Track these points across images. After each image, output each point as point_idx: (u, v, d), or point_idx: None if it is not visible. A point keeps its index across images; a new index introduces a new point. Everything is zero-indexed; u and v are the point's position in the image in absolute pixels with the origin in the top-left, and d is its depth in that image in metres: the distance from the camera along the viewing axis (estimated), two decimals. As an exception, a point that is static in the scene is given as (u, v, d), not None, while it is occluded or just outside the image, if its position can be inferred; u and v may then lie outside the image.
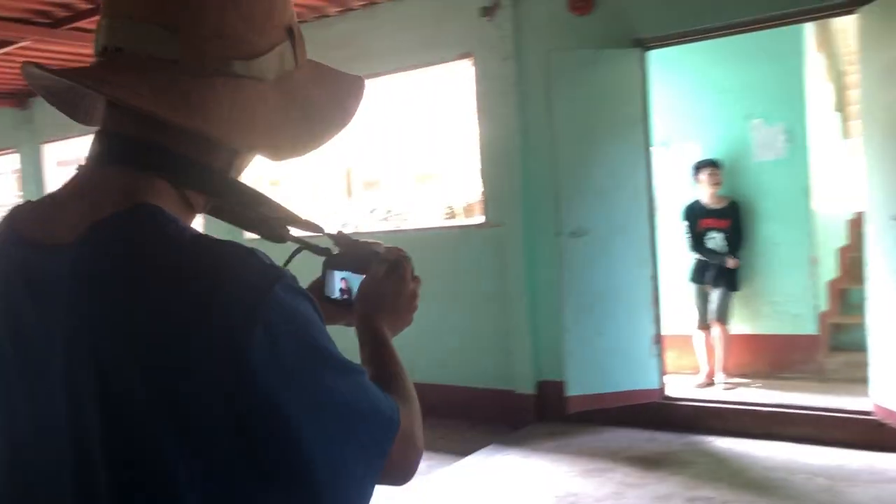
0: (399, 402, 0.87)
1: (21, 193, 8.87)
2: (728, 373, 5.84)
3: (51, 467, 0.77)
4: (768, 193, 5.93)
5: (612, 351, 5.10)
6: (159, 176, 0.80)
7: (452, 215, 7.94)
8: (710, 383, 5.82)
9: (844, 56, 6.79)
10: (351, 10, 6.12)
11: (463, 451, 5.07)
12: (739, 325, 6.01)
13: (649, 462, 4.58)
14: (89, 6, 5.30)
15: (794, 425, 4.78)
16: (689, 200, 5.99)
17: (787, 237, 5.88)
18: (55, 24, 5.67)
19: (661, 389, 5.20)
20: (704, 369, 5.90)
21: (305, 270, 1.14)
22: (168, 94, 0.77)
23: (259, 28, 0.83)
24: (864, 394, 4.68)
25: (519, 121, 5.49)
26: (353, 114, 0.95)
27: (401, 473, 0.88)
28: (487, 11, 5.48)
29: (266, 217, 0.94)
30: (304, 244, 1.06)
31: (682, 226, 5.98)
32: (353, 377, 0.80)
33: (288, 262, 1.09)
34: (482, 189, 5.85)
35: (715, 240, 5.89)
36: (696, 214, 5.93)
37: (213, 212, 0.92)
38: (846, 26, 6.34)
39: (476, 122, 5.79)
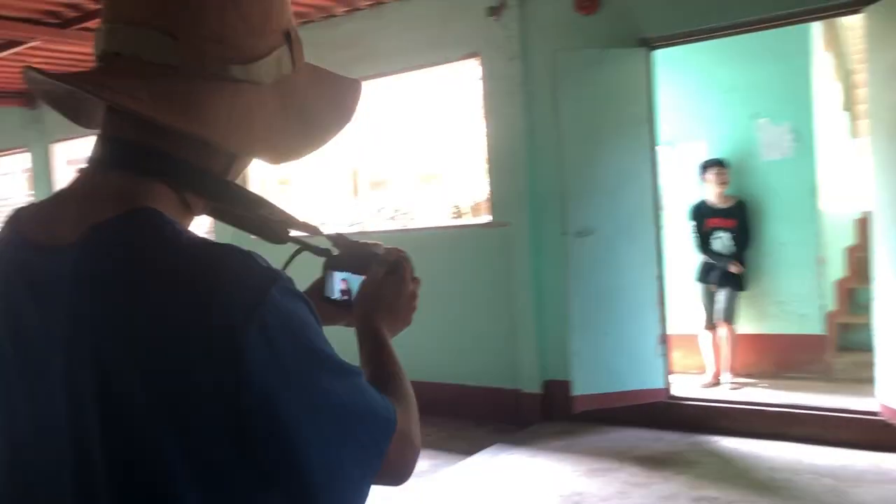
0: (396, 402, 0.88)
1: (31, 193, 8.93)
2: (734, 373, 5.83)
3: (51, 467, 0.78)
4: (775, 193, 5.91)
5: (618, 350, 5.10)
6: (158, 179, 0.81)
7: (459, 215, 7.94)
8: (716, 383, 5.81)
9: (853, 55, 6.76)
10: (358, 9, 6.13)
11: (469, 450, 5.08)
12: (746, 324, 6.00)
13: (655, 462, 4.58)
14: (98, 7, 5.32)
15: (800, 425, 4.77)
16: (695, 200, 5.99)
17: (794, 237, 5.87)
18: (64, 24, 5.70)
19: (667, 389, 5.20)
20: (711, 369, 5.89)
21: (306, 271, 1.16)
22: (166, 99, 0.78)
23: (257, 32, 0.83)
24: (872, 394, 4.67)
25: (525, 120, 5.50)
26: (351, 117, 0.96)
27: (398, 473, 0.88)
28: (494, 11, 5.49)
29: (266, 219, 0.95)
30: (304, 245, 1.07)
31: (689, 225, 5.98)
32: (349, 378, 0.80)
33: (288, 263, 1.10)
34: (488, 189, 5.86)
35: (721, 239, 5.88)
36: (702, 214, 5.93)
37: (214, 214, 0.94)
38: (854, 25, 6.32)
39: (482, 121, 5.80)
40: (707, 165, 5.88)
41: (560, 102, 5.04)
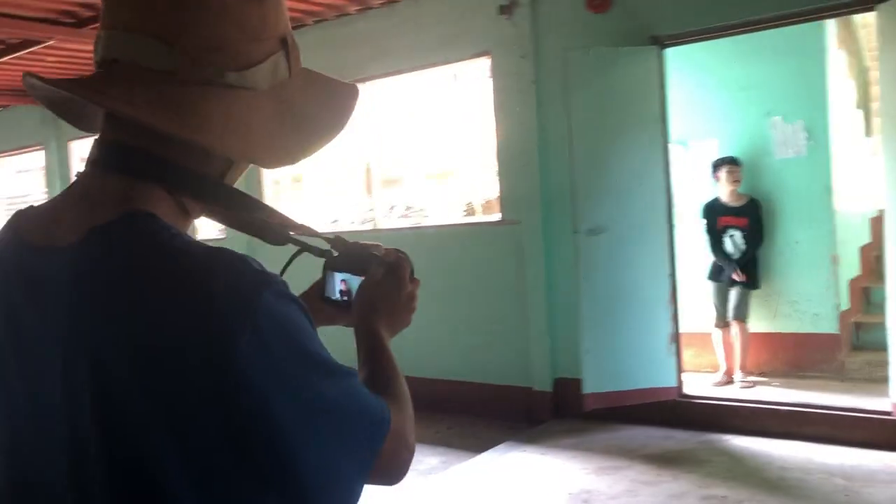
0: (391, 403, 0.89)
1: (47, 190, 9.02)
2: (746, 371, 5.81)
3: (49, 468, 0.79)
4: (789, 191, 5.88)
5: (629, 349, 5.10)
6: (156, 183, 0.82)
7: (472, 212, 7.95)
8: (728, 381, 5.80)
9: (868, 52, 6.71)
10: (371, 8, 6.15)
11: (479, 447, 5.09)
12: (759, 323, 5.98)
13: (665, 460, 4.58)
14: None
15: (811, 425, 4.75)
16: (708, 198, 5.97)
17: (808, 235, 5.84)
18: (80, 23, 5.77)
19: (679, 388, 5.19)
20: (723, 367, 5.87)
21: (305, 273, 1.18)
22: (163, 105, 0.80)
23: (253, 39, 0.84)
24: (886, 394, 4.64)
25: (536, 119, 5.50)
26: (347, 121, 0.96)
27: (392, 473, 0.89)
28: (505, 10, 5.49)
29: (264, 221, 0.96)
30: (304, 246, 1.08)
31: (701, 224, 5.96)
32: (343, 380, 0.81)
33: (288, 263, 1.12)
34: (500, 187, 5.87)
35: (734, 237, 5.86)
36: (715, 212, 5.91)
37: (212, 216, 0.95)
38: (869, 22, 6.27)
39: (494, 120, 5.80)
40: (719, 164, 5.86)
41: (571, 101, 5.04)
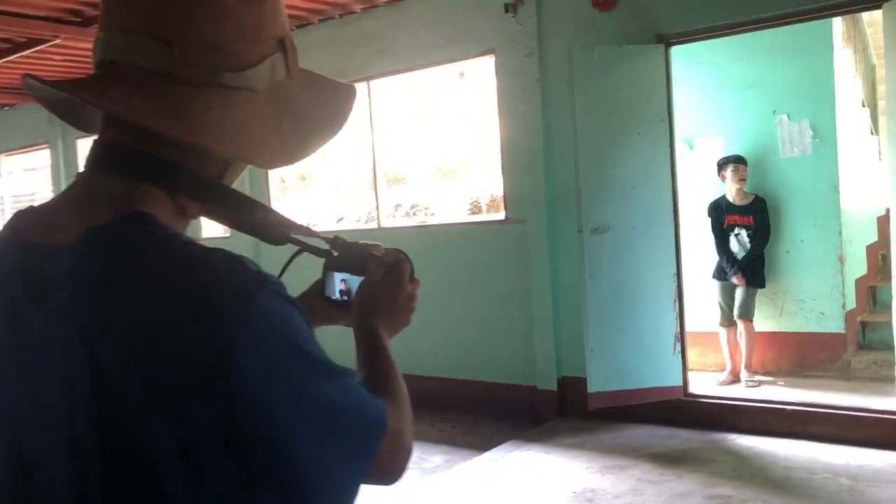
0: (389, 403, 0.89)
1: (53, 189, 9.06)
2: (752, 370, 5.79)
3: (49, 468, 0.80)
4: (796, 190, 5.86)
5: (634, 348, 5.09)
6: (153, 184, 0.83)
7: (478, 210, 7.95)
8: (734, 380, 5.78)
9: (875, 50, 6.69)
10: (376, 6, 6.15)
11: (483, 445, 5.10)
12: (765, 322, 5.96)
13: (669, 459, 4.57)
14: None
15: (817, 424, 4.74)
16: (714, 197, 5.95)
17: (815, 234, 5.82)
18: (86, 22, 5.79)
19: (684, 387, 5.18)
20: (729, 367, 5.86)
21: (305, 272, 1.18)
22: (160, 107, 0.80)
23: (251, 40, 0.85)
24: (892, 393, 4.63)
25: (541, 117, 5.50)
26: (345, 121, 0.97)
27: (389, 473, 0.89)
28: (511, 7, 5.49)
29: (263, 221, 0.97)
30: (304, 246, 1.08)
31: (707, 222, 5.94)
32: (339, 380, 0.81)
33: (288, 263, 1.12)
34: (504, 185, 5.87)
35: (740, 236, 5.85)
36: (721, 211, 5.89)
37: (211, 216, 0.95)
38: (876, 20, 6.25)
39: (498, 118, 5.80)
40: (724, 163, 5.84)
41: (577, 99, 5.03)
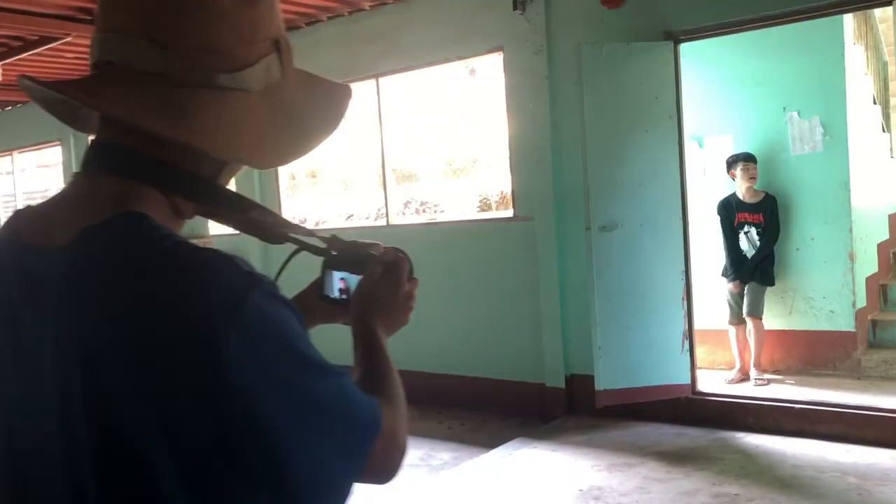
0: (384, 402, 0.89)
1: (62, 185, 9.13)
2: (761, 369, 5.77)
3: (47, 469, 0.80)
4: (806, 188, 5.83)
5: (642, 346, 5.08)
6: (149, 184, 0.83)
7: (487, 207, 7.95)
8: (743, 379, 5.76)
9: (887, 47, 6.65)
10: (384, 4, 6.16)
11: (491, 443, 5.10)
12: (774, 320, 5.94)
13: (677, 457, 4.56)
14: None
15: (826, 423, 4.72)
16: (724, 195, 5.93)
17: (825, 232, 5.79)
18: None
19: (692, 385, 5.17)
20: (738, 365, 5.84)
21: (305, 272, 1.19)
22: (155, 107, 0.81)
23: (246, 41, 0.85)
24: (900, 392, 4.61)
25: (549, 114, 5.49)
26: (340, 122, 0.97)
27: (383, 473, 0.89)
28: (519, 5, 5.48)
29: (260, 221, 0.97)
30: (303, 245, 1.08)
31: (717, 220, 5.92)
32: (332, 380, 0.81)
33: (287, 262, 1.13)
34: (513, 183, 5.87)
35: (749, 234, 5.83)
36: (731, 209, 5.87)
37: (209, 215, 0.96)
38: (888, 17, 6.21)
39: (506, 115, 5.80)
40: (734, 161, 5.82)
41: (585, 96, 5.02)
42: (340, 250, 1.14)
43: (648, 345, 5.08)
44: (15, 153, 10.08)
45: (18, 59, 6.74)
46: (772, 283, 5.83)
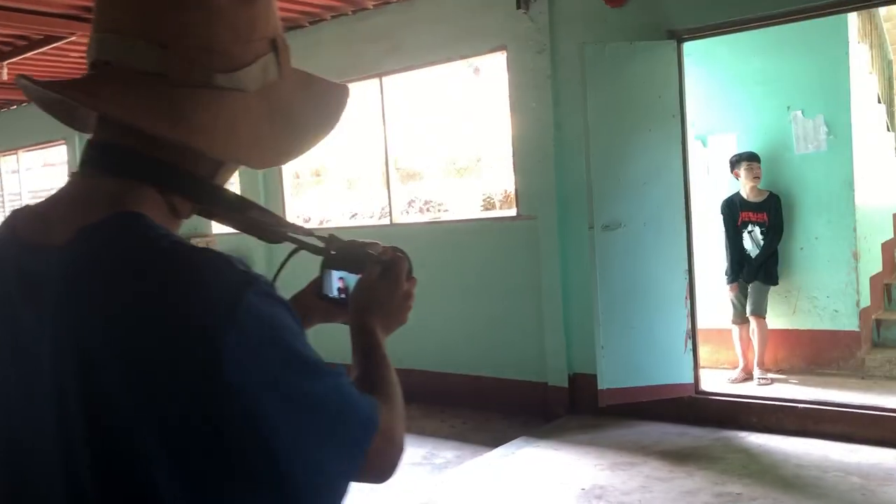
0: (382, 401, 0.90)
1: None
2: (765, 368, 5.77)
3: (44, 469, 0.80)
4: (809, 187, 5.82)
5: (645, 345, 5.08)
6: (146, 184, 0.84)
7: (491, 206, 7.95)
8: (746, 378, 5.76)
9: (891, 46, 6.62)
10: (388, 3, 6.16)
11: (493, 442, 5.11)
12: (778, 319, 5.93)
13: (679, 457, 4.56)
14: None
15: (829, 422, 4.71)
16: (728, 194, 5.92)
17: (829, 231, 5.78)
18: (101, 19, 5.82)
19: (695, 384, 5.17)
20: (741, 364, 5.84)
21: (305, 271, 1.19)
22: (152, 107, 0.81)
23: (243, 41, 0.85)
24: (904, 392, 4.60)
25: (553, 114, 5.49)
26: (337, 122, 0.97)
27: (380, 472, 0.89)
28: (522, 4, 5.48)
29: (257, 220, 0.97)
30: (301, 245, 1.09)
31: (721, 218, 5.91)
32: (328, 379, 0.81)
33: (285, 261, 1.13)
34: (516, 182, 5.87)
35: (753, 233, 5.82)
36: (735, 208, 5.86)
37: (206, 215, 0.96)
38: (894, 15, 6.19)
39: (510, 115, 5.80)
40: (737, 161, 5.81)
41: (588, 95, 5.01)
42: (339, 250, 1.14)
43: (651, 344, 5.08)
44: (20, 152, 10.12)
45: (24, 59, 6.76)
46: (775, 283, 5.83)
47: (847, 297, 5.79)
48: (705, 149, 6.20)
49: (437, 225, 6.54)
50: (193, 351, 0.73)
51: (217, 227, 6.69)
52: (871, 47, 6.32)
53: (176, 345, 0.73)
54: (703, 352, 5.64)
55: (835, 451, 4.46)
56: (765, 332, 5.77)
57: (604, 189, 5.03)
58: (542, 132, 5.53)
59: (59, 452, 0.78)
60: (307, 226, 7.15)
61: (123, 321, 0.75)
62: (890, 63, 6.77)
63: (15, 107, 9.55)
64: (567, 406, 5.53)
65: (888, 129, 6.74)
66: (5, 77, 6.74)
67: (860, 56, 6.04)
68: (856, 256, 5.76)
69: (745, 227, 5.85)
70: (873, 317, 6.13)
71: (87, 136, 0.88)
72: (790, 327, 5.97)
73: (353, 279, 1.14)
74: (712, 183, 6.09)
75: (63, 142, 9.09)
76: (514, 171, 5.85)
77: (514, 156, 5.84)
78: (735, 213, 5.87)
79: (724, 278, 5.91)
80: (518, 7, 5.50)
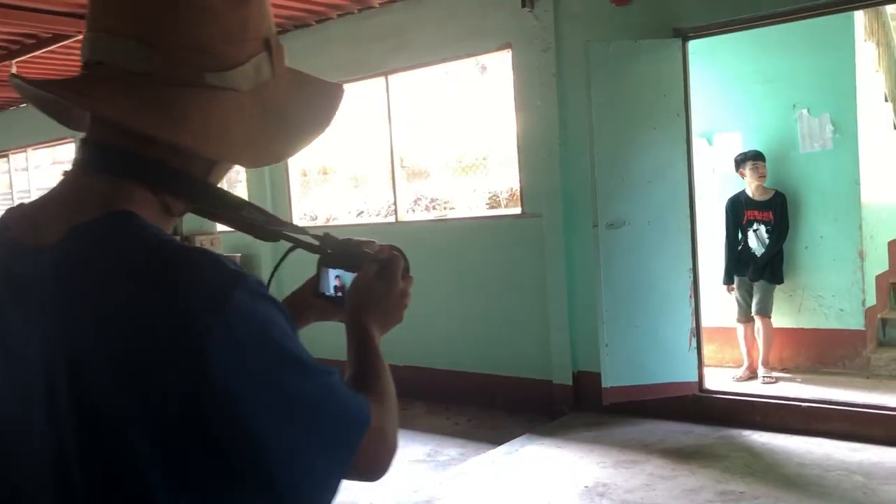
0: (374, 400, 0.90)
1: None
2: (769, 367, 5.76)
3: (34, 469, 0.81)
4: (815, 185, 5.81)
5: (649, 343, 5.08)
6: (138, 183, 0.84)
7: (496, 204, 7.94)
8: (751, 377, 5.75)
9: (898, 44, 6.59)
10: (394, 1, 6.17)
11: (498, 439, 5.12)
12: (783, 318, 5.92)
13: (683, 455, 4.56)
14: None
15: (833, 421, 4.71)
16: (734, 192, 5.92)
17: (835, 230, 5.76)
18: (108, 18, 5.85)
19: (699, 382, 5.17)
20: (746, 363, 5.83)
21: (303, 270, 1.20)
22: (144, 107, 0.81)
23: (234, 41, 0.85)
24: (909, 391, 4.58)
25: (558, 112, 5.49)
26: (331, 120, 0.97)
27: (371, 470, 0.90)
28: (528, 2, 5.48)
29: (252, 219, 0.98)
30: (298, 243, 1.08)
31: (727, 217, 5.90)
32: (318, 377, 0.81)
33: (282, 260, 1.14)
34: (521, 180, 5.88)
35: (758, 232, 5.82)
36: (740, 206, 5.86)
37: (200, 213, 0.96)
38: (900, 13, 6.17)
39: (515, 113, 5.80)
40: (742, 160, 5.80)
41: (593, 93, 5.01)
42: (335, 248, 1.14)
43: (656, 342, 5.08)
44: (29, 150, 10.17)
45: (32, 57, 6.80)
46: (781, 282, 5.82)
47: (853, 295, 5.77)
48: (711, 147, 6.19)
49: (442, 223, 6.55)
50: (182, 350, 0.73)
51: (221, 225, 6.70)
52: (877, 45, 6.29)
53: (166, 344, 0.73)
54: (708, 350, 5.64)
55: (838, 450, 4.45)
56: (770, 332, 5.76)
57: (608, 187, 5.03)
58: (548, 130, 5.54)
59: (50, 453, 0.78)
60: (314, 224, 7.17)
61: (115, 321, 0.75)
62: (897, 61, 6.73)
63: (24, 105, 9.59)
64: (571, 404, 5.54)
65: (895, 128, 6.71)
66: (14, 75, 6.76)
67: (867, 54, 6.02)
68: (861, 255, 5.74)
69: (751, 225, 5.84)
70: (879, 316, 6.12)
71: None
72: (795, 326, 5.96)
73: (349, 277, 1.13)
74: (718, 181, 6.08)
75: (71, 140, 9.13)
76: (520, 169, 5.86)
77: (519, 154, 5.84)
78: (740, 211, 5.86)
79: (735, 275, 5.90)
80: (523, 5, 5.50)
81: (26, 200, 0.92)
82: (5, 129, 10.06)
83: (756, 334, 5.81)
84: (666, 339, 5.09)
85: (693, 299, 5.10)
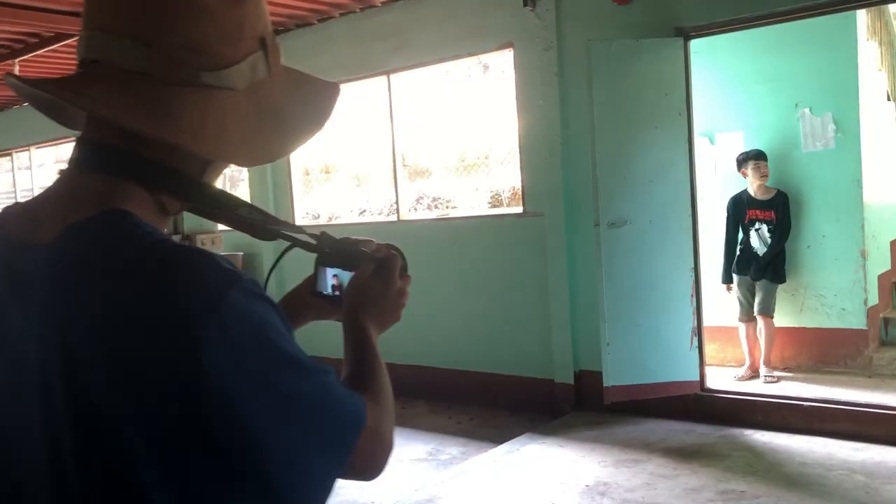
0: (371, 399, 0.90)
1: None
2: (771, 366, 5.76)
3: (30, 467, 0.81)
4: (817, 185, 5.80)
5: (651, 342, 5.08)
6: (134, 181, 0.84)
7: (499, 203, 7.94)
8: (753, 376, 5.75)
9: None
10: (396, 0, 6.18)
11: (500, 438, 5.12)
12: (785, 317, 5.91)
13: (684, 454, 4.56)
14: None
15: (835, 421, 4.70)
16: (736, 191, 5.91)
17: (837, 229, 5.76)
18: (111, 17, 5.86)
19: (701, 381, 5.17)
20: (748, 362, 5.83)
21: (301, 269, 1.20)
22: (139, 106, 0.81)
23: (230, 40, 0.86)
24: (911, 390, 4.58)
25: (559, 111, 5.49)
26: (327, 119, 0.97)
27: (367, 469, 0.90)
28: (529, 1, 5.48)
29: (248, 218, 0.97)
30: (295, 242, 1.08)
31: (729, 216, 5.90)
32: (314, 377, 0.81)
33: (279, 259, 1.14)
34: (522, 179, 5.88)
35: (760, 231, 5.81)
36: (742, 205, 5.85)
37: (196, 213, 0.96)
38: (903, 12, 6.16)
39: (517, 111, 5.80)
40: (744, 159, 5.79)
41: (595, 93, 5.01)
42: (332, 247, 1.14)
43: (657, 341, 5.08)
44: (32, 148, 10.19)
45: (35, 56, 6.81)
46: (783, 281, 5.81)
47: (855, 295, 5.77)
48: (713, 146, 6.18)
49: (444, 222, 6.55)
50: (178, 349, 0.73)
51: (222, 224, 6.70)
52: (880, 44, 6.28)
53: (161, 343, 0.73)
54: (710, 349, 5.64)
55: (840, 450, 4.45)
56: (772, 331, 5.75)
57: (610, 186, 5.03)
58: (549, 129, 5.54)
59: (46, 451, 0.79)
60: (317, 222, 7.17)
61: (110, 319, 0.75)
62: (900, 60, 6.72)
63: (27, 104, 9.60)
64: (573, 403, 5.54)
65: (898, 127, 6.70)
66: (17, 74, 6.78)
67: (869, 53, 6.01)
68: (864, 254, 5.73)
69: (753, 224, 5.83)
70: (881, 315, 6.11)
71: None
72: (797, 325, 5.95)
73: (347, 276, 1.13)
74: (720, 180, 6.08)
75: (74, 139, 9.13)
76: (521, 168, 5.86)
77: (521, 153, 5.84)
78: (742, 210, 5.85)
79: (735, 275, 5.88)
80: (525, 4, 5.50)
81: (22, 199, 0.92)
82: (8, 128, 10.08)
83: (758, 334, 5.80)
84: (667, 339, 5.09)
85: (695, 298, 5.10)
